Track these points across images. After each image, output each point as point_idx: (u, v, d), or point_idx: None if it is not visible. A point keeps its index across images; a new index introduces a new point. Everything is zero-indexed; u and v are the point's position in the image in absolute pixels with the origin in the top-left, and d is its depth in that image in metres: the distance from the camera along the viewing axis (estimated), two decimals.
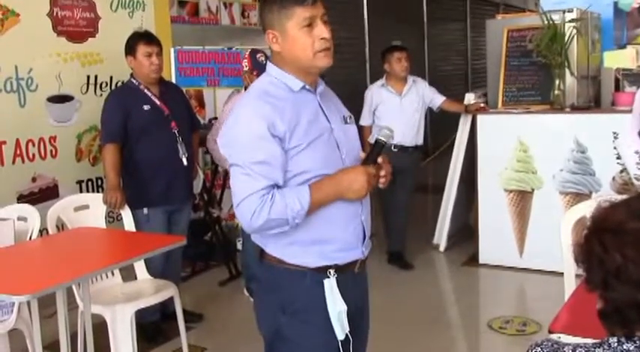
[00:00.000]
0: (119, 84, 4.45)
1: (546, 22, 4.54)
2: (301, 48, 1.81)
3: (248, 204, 1.75)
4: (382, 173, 1.91)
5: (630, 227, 1.15)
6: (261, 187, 1.75)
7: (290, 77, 1.86)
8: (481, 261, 4.88)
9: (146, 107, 3.65)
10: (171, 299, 3.32)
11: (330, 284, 1.86)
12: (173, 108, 3.75)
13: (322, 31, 1.81)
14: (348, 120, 2.00)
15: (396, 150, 4.62)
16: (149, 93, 3.69)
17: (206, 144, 4.34)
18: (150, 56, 3.64)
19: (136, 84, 3.70)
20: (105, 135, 3.67)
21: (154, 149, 3.66)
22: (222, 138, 1.88)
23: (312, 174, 1.80)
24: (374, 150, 1.89)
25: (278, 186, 1.78)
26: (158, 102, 3.69)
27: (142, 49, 3.64)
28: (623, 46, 5.28)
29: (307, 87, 1.88)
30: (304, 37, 1.80)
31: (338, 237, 1.88)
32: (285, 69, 1.87)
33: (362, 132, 4.69)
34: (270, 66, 1.92)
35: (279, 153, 1.77)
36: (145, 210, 3.66)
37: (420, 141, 4.98)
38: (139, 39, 3.69)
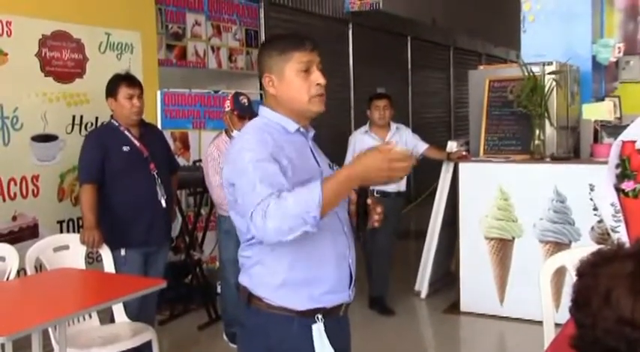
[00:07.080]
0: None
1: (527, 73, 4.64)
2: (297, 91, 1.88)
3: (258, 210, 1.68)
4: (379, 209, 1.93)
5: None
6: (268, 193, 1.69)
7: (285, 119, 1.91)
8: (462, 308, 4.87)
9: (125, 148, 3.64)
10: (146, 343, 3.26)
11: (319, 329, 1.87)
12: (152, 149, 3.74)
13: (318, 77, 1.89)
14: (334, 167, 2.04)
15: (378, 195, 4.64)
16: (129, 135, 3.68)
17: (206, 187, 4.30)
18: (131, 98, 3.65)
19: (117, 125, 3.69)
20: (82, 174, 3.65)
21: (133, 190, 3.63)
22: (226, 168, 1.89)
23: None
24: (361, 193, 1.91)
25: None
26: (137, 144, 3.69)
27: (123, 92, 3.65)
28: (601, 99, 5.41)
29: (302, 129, 1.94)
30: (301, 81, 1.88)
31: (329, 277, 1.89)
32: (278, 111, 1.92)
33: None
34: (263, 109, 1.97)
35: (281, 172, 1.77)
36: (123, 251, 3.61)
37: (403, 188, 5.01)
38: (121, 81, 3.70)
